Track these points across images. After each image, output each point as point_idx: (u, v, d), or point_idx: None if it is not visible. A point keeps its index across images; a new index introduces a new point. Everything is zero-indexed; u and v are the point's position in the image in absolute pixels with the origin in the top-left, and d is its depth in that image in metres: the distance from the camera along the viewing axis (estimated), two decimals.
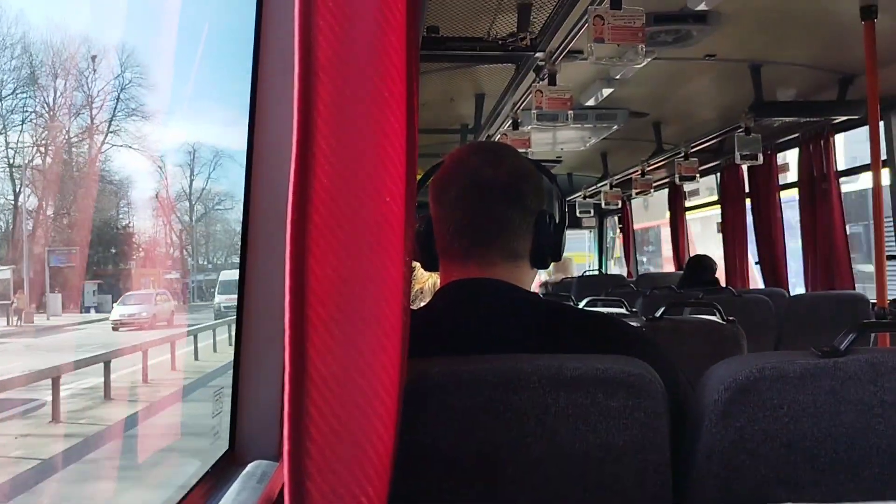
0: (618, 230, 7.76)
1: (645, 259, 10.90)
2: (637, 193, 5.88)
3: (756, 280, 4.88)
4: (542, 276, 6.75)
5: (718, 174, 5.23)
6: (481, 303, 1.07)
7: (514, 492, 0.89)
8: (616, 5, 2.35)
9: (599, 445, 0.89)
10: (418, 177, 0.68)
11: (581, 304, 2.89)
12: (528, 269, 1.13)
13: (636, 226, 7.19)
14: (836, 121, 3.69)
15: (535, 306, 1.08)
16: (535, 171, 1.14)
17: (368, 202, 0.51)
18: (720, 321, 2.13)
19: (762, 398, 0.88)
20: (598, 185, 6.72)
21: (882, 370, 0.88)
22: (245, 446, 0.90)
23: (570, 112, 3.22)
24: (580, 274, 7.29)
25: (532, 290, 1.16)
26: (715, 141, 4.39)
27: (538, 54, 2.97)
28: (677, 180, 5.06)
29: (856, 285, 3.85)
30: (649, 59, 2.73)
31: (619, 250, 7.88)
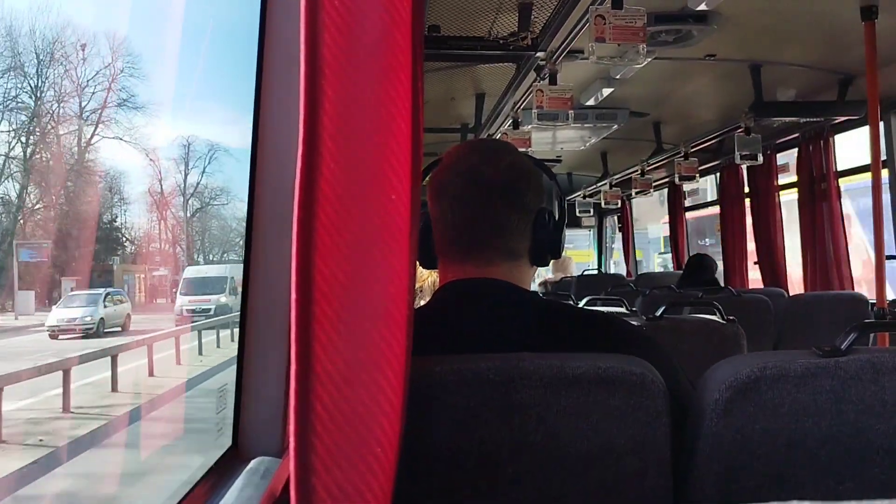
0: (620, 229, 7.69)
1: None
2: (637, 193, 5.89)
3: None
4: (541, 275, 6.75)
5: (718, 174, 5.24)
6: (481, 302, 1.07)
7: (515, 490, 0.89)
8: (617, 5, 2.35)
9: (600, 444, 0.89)
10: None
11: (581, 304, 2.90)
12: (528, 268, 1.13)
13: (688, 215, 6.45)
14: (836, 121, 3.69)
15: (535, 305, 1.08)
16: (534, 168, 1.14)
17: (375, 200, 0.52)
18: (720, 321, 2.13)
19: (763, 397, 0.89)
20: (598, 184, 6.72)
21: (883, 370, 0.88)
22: (248, 442, 0.90)
23: (571, 111, 3.22)
24: (580, 273, 7.29)
25: (531, 289, 1.16)
26: (715, 141, 4.40)
27: (539, 54, 2.97)
28: (677, 180, 5.06)
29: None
30: (650, 59, 2.73)
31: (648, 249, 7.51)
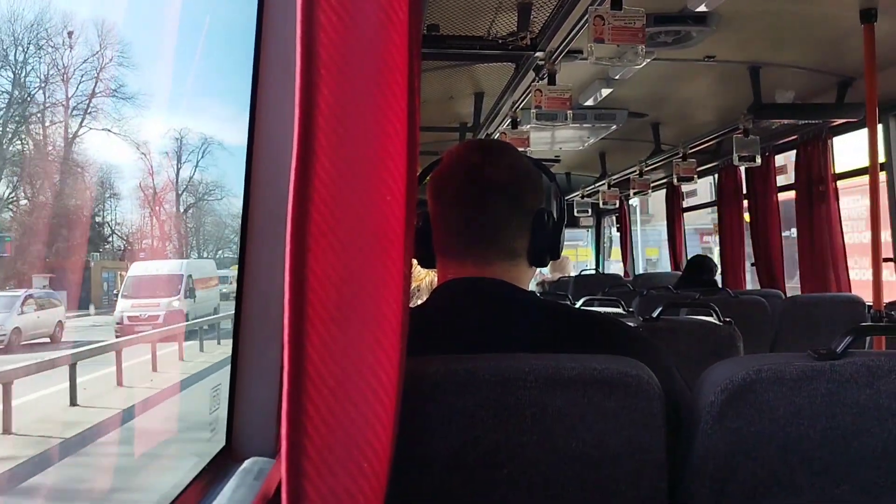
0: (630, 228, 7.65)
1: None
2: (635, 193, 5.90)
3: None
4: (539, 274, 6.76)
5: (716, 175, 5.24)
6: (479, 302, 1.07)
7: (511, 491, 0.89)
8: (616, 6, 2.35)
9: (596, 446, 0.89)
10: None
11: (578, 304, 2.90)
12: (527, 268, 1.13)
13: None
14: (835, 123, 3.69)
15: (532, 305, 1.08)
16: (534, 169, 1.14)
17: (369, 200, 0.51)
18: (717, 322, 2.13)
19: (759, 400, 0.89)
20: (596, 184, 6.73)
21: (878, 373, 0.88)
22: (242, 443, 0.90)
23: (570, 112, 3.22)
24: (577, 273, 7.30)
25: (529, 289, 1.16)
26: (713, 142, 4.40)
27: (538, 54, 2.96)
28: (675, 181, 5.07)
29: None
30: (649, 60, 2.73)
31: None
